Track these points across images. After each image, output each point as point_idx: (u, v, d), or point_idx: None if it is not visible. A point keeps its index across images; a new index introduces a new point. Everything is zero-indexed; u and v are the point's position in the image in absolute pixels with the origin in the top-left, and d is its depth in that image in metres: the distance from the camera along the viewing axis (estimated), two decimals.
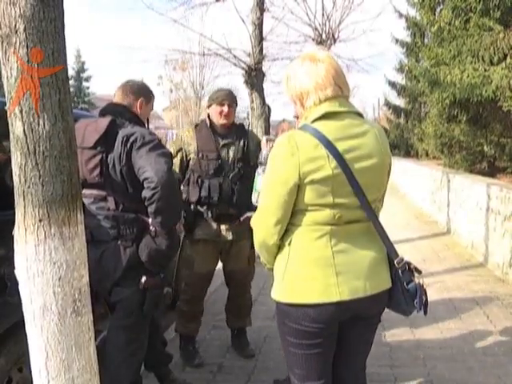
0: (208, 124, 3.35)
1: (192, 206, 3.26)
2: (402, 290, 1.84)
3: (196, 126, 3.42)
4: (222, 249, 3.39)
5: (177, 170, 3.26)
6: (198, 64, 28.98)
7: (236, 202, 3.24)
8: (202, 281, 3.40)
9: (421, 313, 1.90)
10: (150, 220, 2.36)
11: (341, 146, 1.72)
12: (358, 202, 1.75)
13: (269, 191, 1.78)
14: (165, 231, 2.33)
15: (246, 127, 3.57)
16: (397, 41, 19.14)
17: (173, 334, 4.00)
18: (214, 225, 3.28)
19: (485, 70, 5.91)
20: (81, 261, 1.73)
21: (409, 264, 1.86)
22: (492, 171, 8.56)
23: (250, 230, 3.32)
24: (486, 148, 8.14)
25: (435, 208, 9.41)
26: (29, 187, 1.63)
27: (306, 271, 1.75)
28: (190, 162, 3.29)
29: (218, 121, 3.30)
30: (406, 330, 3.98)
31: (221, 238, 3.30)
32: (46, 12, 1.62)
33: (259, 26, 6.75)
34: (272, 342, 3.81)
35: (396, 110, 21.08)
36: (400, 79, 20.19)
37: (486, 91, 5.68)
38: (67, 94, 1.70)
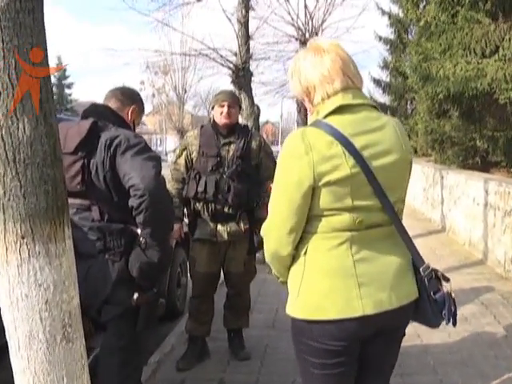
0: (212, 124, 3.45)
1: (191, 205, 3.38)
2: (429, 301, 1.67)
3: (202, 126, 3.53)
4: (219, 249, 3.42)
5: (182, 169, 3.43)
6: (180, 67, 28.76)
7: (232, 200, 3.26)
8: (204, 281, 3.45)
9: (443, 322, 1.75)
10: (139, 231, 2.17)
11: (358, 142, 1.55)
12: (379, 203, 1.57)
13: (280, 196, 1.60)
14: (156, 243, 2.13)
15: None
16: (380, 38, 19.04)
17: (168, 348, 3.82)
18: (211, 224, 3.35)
19: (478, 63, 5.81)
20: (70, 281, 1.54)
21: (435, 271, 1.69)
22: (485, 166, 8.47)
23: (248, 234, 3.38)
24: (478, 143, 8.04)
25: (428, 205, 9.31)
26: (9, 200, 1.43)
27: (325, 283, 1.57)
28: (194, 161, 3.40)
29: (220, 121, 3.39)
30: (413, 334, 3.82)
31: (217, 238, 3.35)
32: (23, 2, 1.43)
33: (245, 24, 6.58)
34: (273, 353, 3.65)
35: (382, 108, 20.81)
36: (385, 77, 20.12)
37: (480, 84, 5.57)
38: (49, 94, 1.51)
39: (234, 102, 3.42)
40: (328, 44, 1.67)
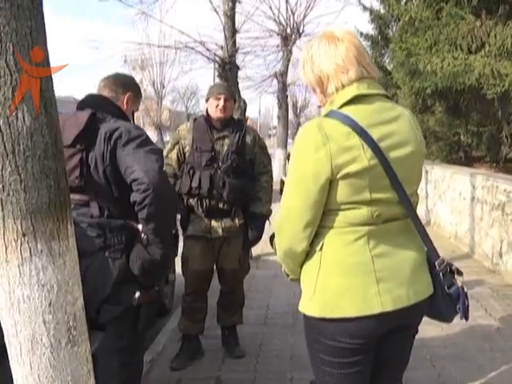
0: (205, 118, 3.33)
1: (184, 200, 3.26)
2: (443, 295, 1.63)
3: (195, 120, 3.40)
4: (213, 246, 3.33)
5: (173, 164, 3.30)
6: (159, 62, 28.50)
7: (227, 196, 3.18)
8: (198, 278, 3.36)
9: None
10: (140, 227, 2.08)
11: (375, 134, 1.49)
12: (396, 196, 1.52)
13: (295, 189, 1.53)
14: (158, 239, 2.04)
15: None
16: (361, 34, 19.05)
17: (160, 347, 3.73)
18: (205, 220, 3.26)
19: (465, 59, 5.83)
20: (74, 281, 1.46)
21: (450, 265, 1.65)
22: (468, 161, 8.54)
23: (243, 229, 3.31)
24: (462, 138, 8.10)
25: None
26: (8, 195, 1.34)
27: (343, 280, 1.51)
28: (187, 155, 3.29)
29: (215, 114, 3.27)
30: None
31: (211, 234, 3.26)
32: None
33: (232, 17, 6.49)
34: (268, 350, 3.59)
35: None
36: None
37: (468, 79, 5.59)
38: (49, 82, 1.42)
39: (229, 96, 3.30)
40: (342, 32, 1.59)
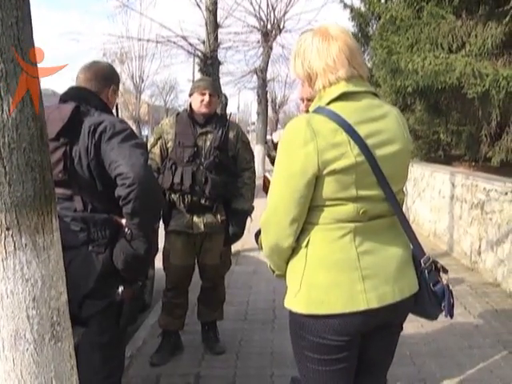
0: (188, 112, 3.30)
1: (166, 195, 3.23)
2: (428, 293, 1.64)
3: (178, 114, 3.38)
4: (195, 241, 3.32)
5: (157, 159, 3.26)
6: (138, 56, 28.18)
7: (209, 192, 3.16)
8: (179, 273, 3.34)
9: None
10: (124, 221, 2.06)
11: (362, 131, 1.50)
12: (382, 193, 1.53)
13: (282, 185, 1.53)
14: (142, 233, 2.02)
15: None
16: None
17: (140, 342, 3.71)
18: (187, 216, 3.24)
19: (446, 58, 5.89)
20: (58, 275, 1.43)
21: (435, 263, 1.66)
22: (447, 160, 8.63)
23: (224, 225, 3.29)
24: (442, 136, 8.19)
25: None
26: None
27: (329, 276, 1.51)
28: (169, 150, 3.25)
29: (199, 109, 3.26)
30: None
31: (193, 229, 3.25)
32: None
33: (214, 12, 6.45)
34: (248, 346, 3.60)
35: None
36: None
37: (449, 78, 5.65)
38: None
39: (214, 91, 3.29)
40: (336, 30, 1.58)
